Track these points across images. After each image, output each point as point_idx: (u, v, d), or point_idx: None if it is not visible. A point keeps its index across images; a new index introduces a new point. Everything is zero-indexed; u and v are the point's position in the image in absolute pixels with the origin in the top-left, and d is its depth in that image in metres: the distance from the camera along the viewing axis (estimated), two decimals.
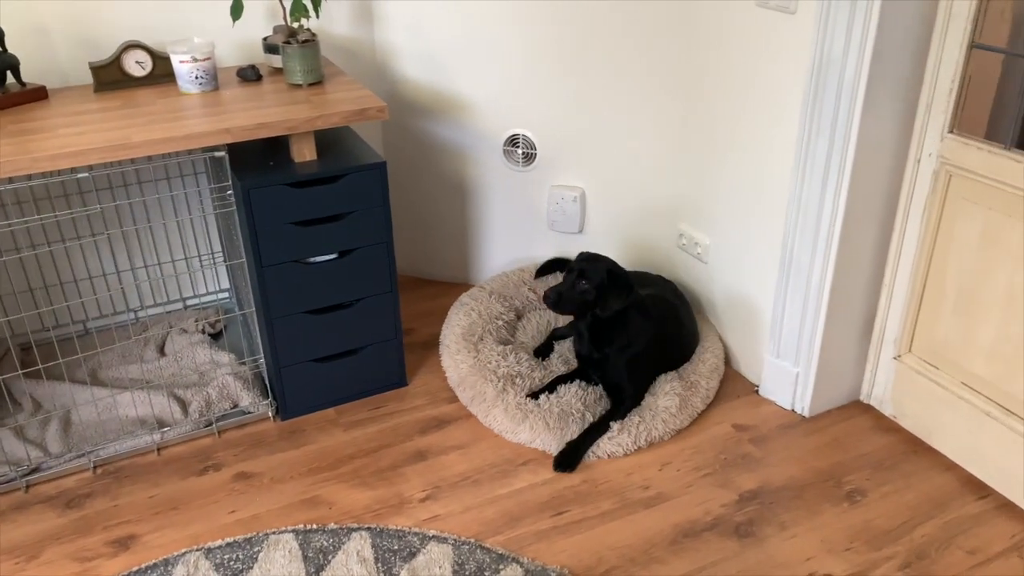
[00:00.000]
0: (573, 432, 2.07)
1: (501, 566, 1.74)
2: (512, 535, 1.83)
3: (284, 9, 2.14)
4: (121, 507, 1.92)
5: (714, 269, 2.40)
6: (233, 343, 2.44)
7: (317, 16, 2.22)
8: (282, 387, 2.16)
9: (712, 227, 2.36)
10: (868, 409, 2.23)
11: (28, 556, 1.80)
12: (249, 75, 2.20)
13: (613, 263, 2.10)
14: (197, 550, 1.79)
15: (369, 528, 1.84)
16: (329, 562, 1.75)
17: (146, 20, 2.26)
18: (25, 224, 2.16)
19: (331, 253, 2.08)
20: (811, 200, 1.98)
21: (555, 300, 2.05)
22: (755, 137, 2.12)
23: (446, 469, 2.03)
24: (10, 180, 1.89)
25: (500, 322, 2.44)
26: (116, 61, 2.12)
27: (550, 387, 2.19)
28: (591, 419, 2.10)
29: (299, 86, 2.15)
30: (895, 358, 2.13)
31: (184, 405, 2.18)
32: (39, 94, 2.08)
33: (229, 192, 2.03)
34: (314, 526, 1.85)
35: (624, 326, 2.11)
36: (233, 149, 2.05)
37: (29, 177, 2.05)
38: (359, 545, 1.79)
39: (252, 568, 1.74)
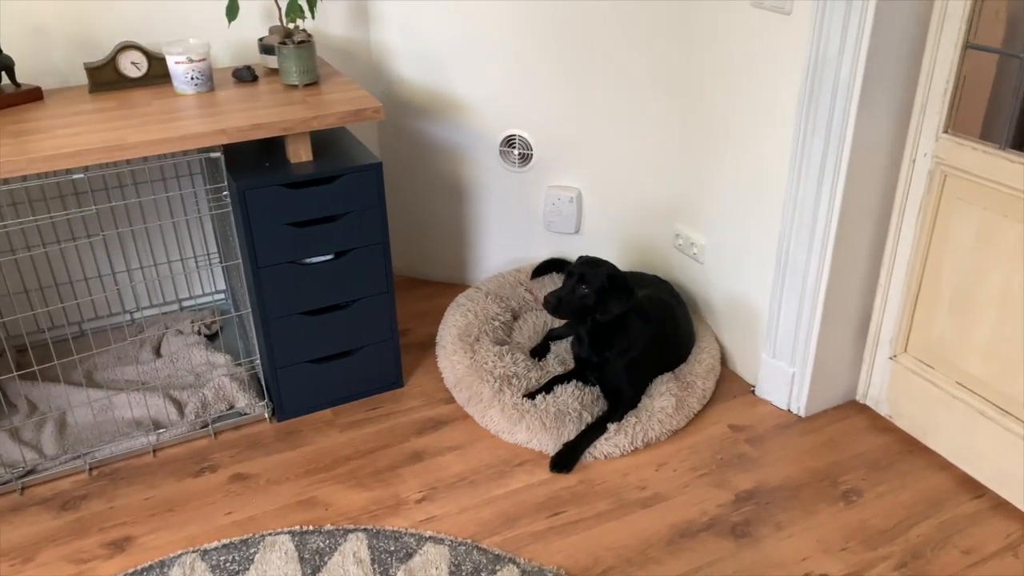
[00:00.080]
0: (570, 432, 2.07)
1: (498, 567, 1.74)
2: (509, 536, 1.83)
3: (280, 10, 2.14)
4: (117, 509, 1.92)
5: (710, 269, 2.40)
6: (229, 344, 2.44)
7: (313, 17, 2.21)
8: (278, 388, 2.16)
9: (708, 227, 2.37)
10: (864, 409, 2.23)
11: (24, 558, 1.80)
12: (245, 76, 2.20)
13: (613, 267, 2.10)
14: (193, 551, 1.78)
15: (365, 529, 1.83)
16: (325, 563, 1.75)
17: (141, 21, 2.26)
18: (20, 225, 2.15)
19: (327, 254, 2.08)
20: (807, 200, 1.99)
21: (555, 305, 2.04)
22: (751, 137, 2.12)
23: (443, 470, 2.03)
24: (5, 181, 1.89)
25: (496, 323, 2.44)
26: (111, 62, 2.12)
27: (547, 387, 2.19)
28: (588, 419, 2.10)
29: (295, 87, 2.15)
30: (891, 358, 2.14)
31: (180, 406, 2.17)
32: (34, 95, 2.07)
33: (225, 193, 2.03)
34: (310, 527, 1.84)
35: (624, 330, 2.11)
36: (229, 150, 2.04)
37: (24, 178, 2.05)
38: (355, 546, 1.79)
39: (248, 569, 1.74)
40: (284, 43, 2.12)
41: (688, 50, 2.25)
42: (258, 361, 2.22)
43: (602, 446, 2.05)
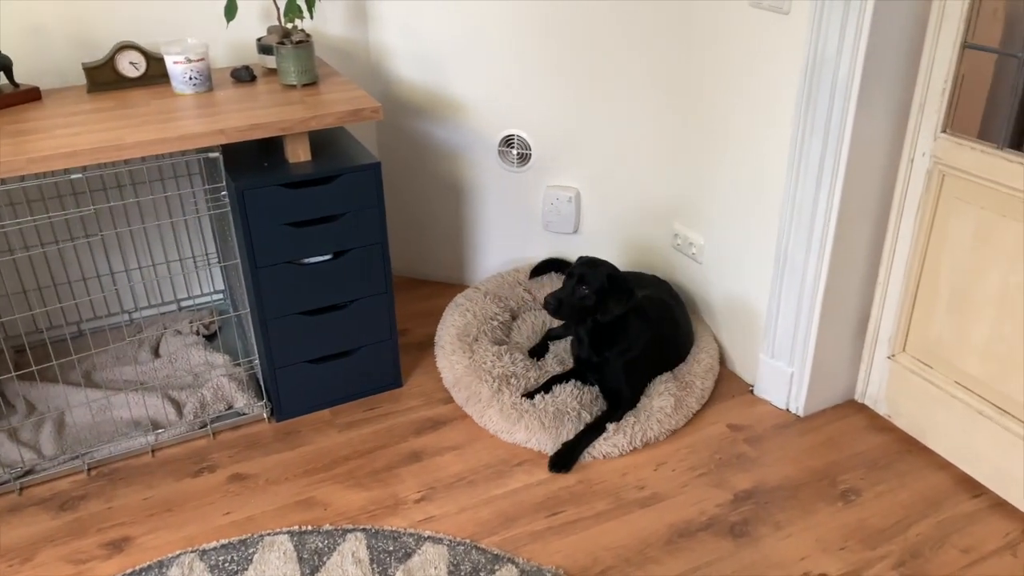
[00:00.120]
0: (569, 431, 2.07)
1: (496, 567, 1.73)
2: (507, 535, 1.83)
3: (278, 10, 2.14)
4: (115, 509, 1.92)
5: (709, 269, 2.40)
6: (228, 344, 2.44)
7: (311, 17, 2.21)
8: (277, 388, 2.16)
9: (707, 227, 2.37)
10: (862, 408, 2.24)
11: (22, 558, 1.79)
12: (243, 76, 2.20)
13: (613, 268, 2.10)
14: (192, 552, 1.78)
15: (364, 529, 1.83)
16: (324, 563, 1.75)
17: (140, 21, 2.26)
18: (19, 225, 2.15)
19: (326, 254, 2.08)
20: (805, 200, 1.99)
21: (555, 307, 2.04)
22: (750, 137, 2.12)
23: (441, 470, 2.03)
24: (3, 181, 1.89)
25: (495, 323, 2.44)
26: (110, 62, 2.12)
27: (545, 387, 2.19)
28: (587, 418, 2.10)
29: (293, 87, 2.15)
30: (889, 357, 2.14)
31: (179, 406, 2.17)
32: (32, 95, 2.07)
33: (223, 193, 2.03)
34: (309, 527, 1.84)
35: (624, 330, 2.11)
36: (227, 150, 2.04)
37: (22, 178, 2.05)
38: (354, 546, 1.79)
39: (247, 569, 1.73)
40: (282, 43, 2.12)
41: (686, 50, 2.25)
42: (257, 361, 2.22)
43: (601, 446, 2.05)
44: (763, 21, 1.98)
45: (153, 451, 2.09)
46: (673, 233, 2.50)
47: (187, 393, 2.20)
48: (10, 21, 2.13)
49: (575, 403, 2.13)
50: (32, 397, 2.20)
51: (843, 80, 1.82)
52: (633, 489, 1.96)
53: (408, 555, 1.76)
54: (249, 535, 1.82)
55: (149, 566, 1.75)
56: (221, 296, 2.67)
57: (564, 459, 2.02)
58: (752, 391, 2.30)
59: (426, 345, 2.50)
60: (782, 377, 2.20)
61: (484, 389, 2.18)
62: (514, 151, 2.57)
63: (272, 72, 2.27)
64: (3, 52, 2.06)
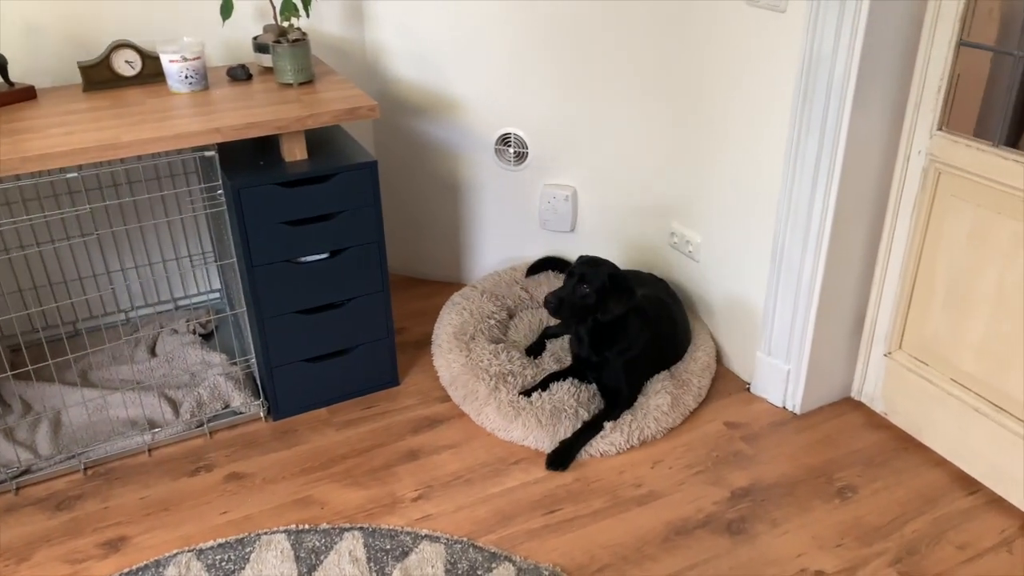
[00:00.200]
0: (566, 429, 2.07)
1: (494, 565, 1.74)
2: (504, 534, 1.83)
3: (274, 8, 2.14)
4: (112, 508, 1.92)
5: (705, 267, 2.41)
6: (224, 343, 2.43)
7: (307, 15, 2.21)
8: (274, 387, 2.16)
9: (703, 225, 2.37)
10: (859, 406, 2.24)
11: (18, 558, 1.79)
12: (239, 74, 2.20)
13: (614, 267, 2.10)
14: (189, 551, 1.78)
15: (361, 528, 1.83)
16: (321, 562, 1.75)
17: (135, 19, 2.25)
18: (14, 224, 2.15)
19: (322, 253, 2.08)
20: (801, 198, 1.99)
21: (556, 306, 2.04)
22: (746, 135, 2.13)
23: (438, 468, 2.03)
24: None
25: (492, 321, 2.44)
26: (105, 60, 2.11)
27: (543, 385, 2.19)
28: (584, 416, 2.10)
29: (289, 85, 2.15)
30: (885, 355, 2.14)
31: (175, 406, 2.17)
32: (28, 94, 2.06)
33: (219, 192, 2.02)
34: (306, 526, 1.84)
35: (624, 330, 2.11)
36: (223, 149, 2.04)
37: (18, 177, 2.04)
38: (351, 545, 1.79)
39: (244, 569, 1.73)
40: (279, 41, 2.11)
41: (683, 48, 2.25)
42: (253, 360, 2.22)
43: (598, 444, 2.05)
44: (759, 20, 1.99)
45: (150, 450, 2.09)
46: (670, 231, 2.51)
47: (184, 392, 2.20)
48: (5, 20, 2.12)
49: (572, 401, 2.13)
50: (28, 397, 2.19)
51: (839, 78, 1.82)
52: (630, 487, 1.96)
53: (405, 554, 1.77)
54: (246, 534, 1.82)
55: (146, 565, 1.75)
56: (218, 295, 2.67)
57: (561, 457, 2.02)
58: (749, 389, 2.31)
59: (423, 344, 2.50)
60: (779, 375, 2.20)
61: (481, 387, 2.18)
62: (511, 150, 2.57)
63: (268, 71, 2.26)
64: None
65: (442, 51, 2.48)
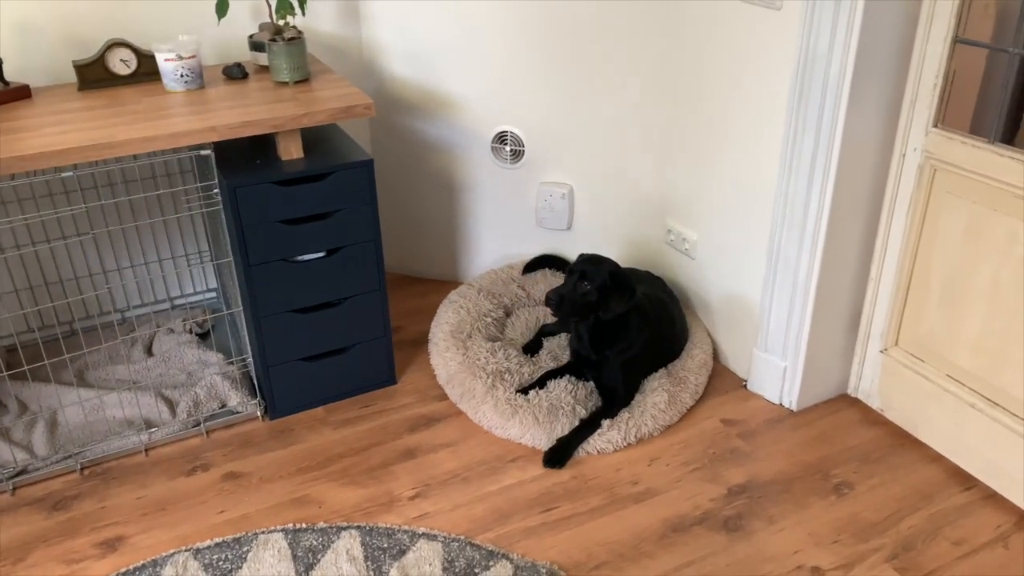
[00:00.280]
0: (563, 426, 2.07)
1: (491, 563, 1.74)
2: (502, 532, 1.83)
3: (270, 7, 2.13)
4: (109, 508, 1.91)
5: (702, 265, 2.41)
6: (221, 343, 2.43)
7: (303, 13, 2.20)
8: (270, 386, 2.16)
9: (700, 223, 2.37)
10: (855, 402, 2.24)
11: (15, 559, 1.79)
12: (235, 73, 2.19)
13: (615, 265, 2.10)
14: (186, 550, 1.78)
15: (359, 526, 1.83)
16: (319, 561, 1.75)
17: (130, 18, 2.25)
18: (9, 224, 2.14)
19: (319, 251, 2.07)
20: (798, 195, 1.99)
21: (557, 303, 2.03)
22: (742, 133, 2.13)
23: (435, 467, 2.03)
24: None
25: (489, 319, 2.44)
26: (100, 59, 2.11)
27: (540, 382, 2.19)
28: (581, 413, 2.10)
29: (285, 84, 2.14)
30: (881, 351, 2.15)
31: (172, 405, 2.17)
32: (22, 93, 2.06)
33: (215, 191, 2.02)
34: (303, 525, 1.84)
35: (625, 329, 2.11)
36: (219, 147, 2.03)
37: (12, 176, 2.04)
38: (348, 544, 1.79)
39: (241, 568, 1.73)
40: (274, 40, 2.11)
41: (679, 46, 2.26)
42: (250, 359, 2.22)
43: (595, 441, 2.05)
44: (755, 17, 1.99)
45: (146, 450, 2.09)
46: (667, 229, 2.51)
47: (180, 392, 2.20)
48: (0, 18, 2.12)
49: (569, 398, 2.13)
50: (24, 397, 2.19)
51: (835, 76, 1.82)
52: (627, 484, 1.96)
53: (402, 552, 1.77)
54: (243, 533, 1.82)
55: (143, 565, 1.75)
56: (214, 294, 2.67)
57: (558, 455, 2.02)
58: (745, 386, 2.31)
59: (420, 342, 2.50)
60: (775, 371, 2.20)
61: (478, 385, 2.18)
62: (507, 148, 2.57)
63: (264, 69, 2.26)
64: None
65: (438, 49, 2.48)
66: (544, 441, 2.06)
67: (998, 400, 1.88)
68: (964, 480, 1.96)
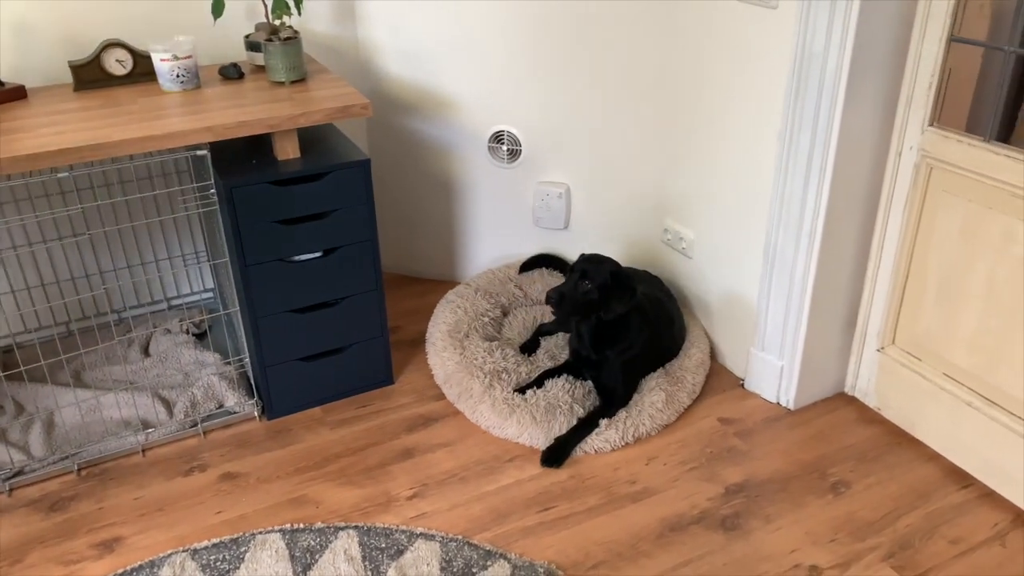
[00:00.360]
0: (560, 425, 2.07)
1: (489, 562, 1.74)
2: (499, 531, 1.83)
3: (266, 6, 2.13)
4: (106, 509, 1.91)
5: (699, 264, 2.41)
6: (218, 343, 2.43)
7: (299, 13, 2.20)
8: (268, 386, 2.16)
9: (697, 222, 2.37)
10: (852, 401, 2.25)
11: (12, 560, 1.79)
12: (231, 73, 2.19)
13: (617, 265, 2.10)
14: (183, 551, 1.78)
15: (356, 527, 1.83)
16: (316, 561, 1.75)
17: (126, 18, 2.24)
18: (6, 224, 2.14)
19: (315, 251, 2.07)
20: (794, 194, 1.99)
21: (557, 301, 2.03)
22: (739, 132, 2.13)
23: (433, 467, 2.03)
24: None
25: (486, 319, 2.44)
26: (96, 60, 2.10)
27: (537, 382, 2.20)
28: (579, 412, 2.10)
29: (282, 84, 2.14)
30: (878, 350, 2.15)
31: (169, 406, 2.16)
32: (18, 93, 2.05)
33: (212, 191, 2.02)
34: (301, 525, 1.84)
35: (626, 329, 2.11)
36: (216, 147, 2.03)
37: (8, 177, 2.03)
38: (346, 544, 1.79)
39: (239, 568, 1.73)
40: (270, 40, 2.11)
41: (675, 45, 2.26)
42: (247, 359, 2.21)
43: (592, 441, 2.05)
44: (751, 16, 1.99)
45: (143, 451, 2.08)
46: (663, 228, 2.51)
47: (177, 392, 2.20)
48: None
49: (567, 397, 2.14)
50: (21, 398, 2.19)
51: (831, 75, 1.83)
52: (625, 484, 1.96)
53: (400, 552, 1.77)
54: (241, 534, 1.82)
55: (140, 566, 1.75)
56: (211, 294, 2.66)
57: (556, 454, 2.02)
58: (743, 385, 2.31)
59: (417, 342, 2.50)
60: (772, 370, 2.21)
61: (476, 385, 2.18)
62: (504, 147, 2.57)
63: (260, 69, 2.26)
64: None
65: (435, 49, 2.48)
66: (542, 440, 2.06)
67: (995, 398, 1.88)
68: (961, 478, 1.97)
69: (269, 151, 2.05)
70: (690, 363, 2.29)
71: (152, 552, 1.79)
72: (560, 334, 2.40)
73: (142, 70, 2.14)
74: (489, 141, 2.57)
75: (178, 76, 2.07)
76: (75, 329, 2.47)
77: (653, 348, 2.21)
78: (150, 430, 2.10)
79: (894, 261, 2.05)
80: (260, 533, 1.82)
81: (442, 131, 2.60)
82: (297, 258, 2.05)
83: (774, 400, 2.24)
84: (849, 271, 2.10)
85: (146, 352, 2.39)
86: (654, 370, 2.25)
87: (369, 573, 1.71)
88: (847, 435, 2.12)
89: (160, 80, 2.09)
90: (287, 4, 2.09)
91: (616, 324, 2.09)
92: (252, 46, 2.25)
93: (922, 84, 1.87)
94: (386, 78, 2.58)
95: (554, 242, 2.70)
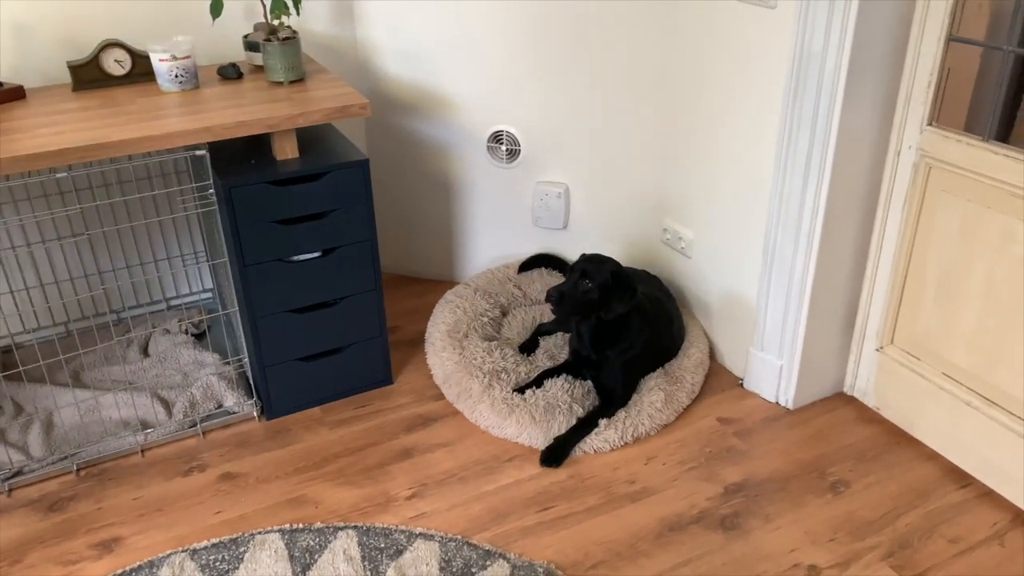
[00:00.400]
0: (560, 425, 2.07)
1: (488, 562, 1.74)
2: (499, 531, 1.83)
3: (264, 7, 2.13)
4: (105, 509, 1.91)
5: (698, 264, 2.41)
6: (217, 343, 2.43)
7: (298, 13, 2.20)
8: (267, 386, 2.16)
9: (696, 222, 2.37)
10: (851, 401, 2.25)
11: (11, 560, 1.78)
12: (230, 73, 2.19)
13: (617, 264, 2.10)
14: (182, 551, 1.78)
15: (356, 527, 1.83)
16: (315, 561, 1.74)
17: (125, 18, 2.24)
18: (5, 224, 2.14)
19: (314, 251, 2.07)
20: (793, 194, 1.99)
21: (557, 299, 2.03)
22: (738, 132, 2.13)
23: (432, 467, 2.03)
24: None
25: (485, 319, 2.44)
26: (95, 60, 2.10)
27: (536, 381, 2.20)
28: (578, 411, 2.10)
29: (280, 84, 2.14)
30: (877, 350, 2.15)
31: (168, 406, 2.16)
32: (17, 93, 2.05)
33: (210, 191, 2.02)
34: (300, 525, 1.84)
35: (626, 329, 2.11)
36: (214, 148, 2.03)
37: (7, 177, 2.03)
38: (345, 544, 1.79)
39: (238, 568, 1.73)
40: (269, 40, 2.11)
41: (674, 45, 2.26)
42: (246, 360, 2.21)
43: (592, 441, 2.05)
44: (750, 16, 1.99)
45: (143, 451, 2.08)
46: (663, 228, 2.51)
47: (176, 392, 2.20)
48: None
49: (566, 397, 2.14)
50: (20, 398, 2.19)
51: (830, 74, 1.83)
52: (624, 483, 1.96)
53: (399, 552, 1.77)
54: (240, 534, 1.82)
55: (139, 566, 1.75)
56: (210, 295, 2.66)
57: (555, 454, 2.02)
58: (742, 384, 2.31)
59: (416, 342, 2.50)
60: (771, 370, 2.21)
61: (475, 385, 2.18)
62: (503, 147, 2.57)
63: (259, 69, 2.26)
64: None
65: (434, 49, 2.48)
66: (541, 440, 2.06)
67: (994, 398, 1.89)
68: (960, 478, 1.97)
69: (268, 151, 2.05)
70: (689, 363, 2.29)
71: (151, 552, 1.79)
72: (559, 334, 2.40)
73: (141, 70, 2.14)
74: (488, 141, 2.57)
75: (177, 76, 2.07)
76: (74, 329, 2.47)
77: (653, 348, 2.21)
78: (149, 430, 2.10)
79: (893, 261, 2.05)
80: (259, 533, 1.82)
81: (441, 131, 2.60)
82: (296, 258, 2.05)
83: (773, 400, 2.24)
84: (848, 271, 2.10)
85: (145, 352, 2.39)
86: (653, 370, 2.25)
87: (368, 573, 1.71)
88: (846, 435, 2.12)
89: (159, 80, 2.09)
90: (285, 4, 2.09)
91: (616, 324, 2.09)
92: (251, 46, 2.25)
93: (921, 83, 1.87)
94: (385, 78, 2.58)
95: (553, 242, 2.70)
